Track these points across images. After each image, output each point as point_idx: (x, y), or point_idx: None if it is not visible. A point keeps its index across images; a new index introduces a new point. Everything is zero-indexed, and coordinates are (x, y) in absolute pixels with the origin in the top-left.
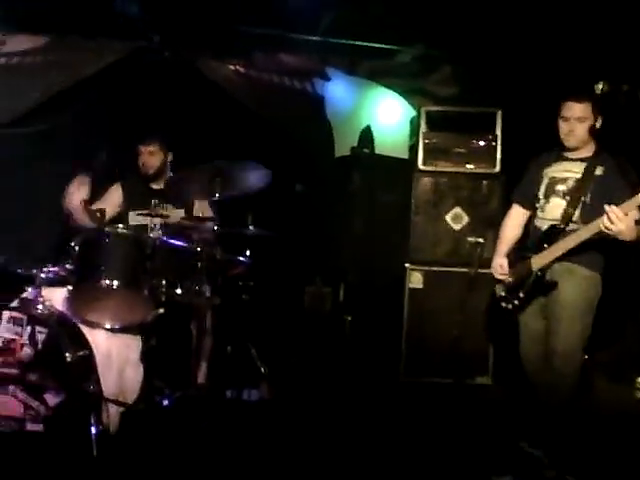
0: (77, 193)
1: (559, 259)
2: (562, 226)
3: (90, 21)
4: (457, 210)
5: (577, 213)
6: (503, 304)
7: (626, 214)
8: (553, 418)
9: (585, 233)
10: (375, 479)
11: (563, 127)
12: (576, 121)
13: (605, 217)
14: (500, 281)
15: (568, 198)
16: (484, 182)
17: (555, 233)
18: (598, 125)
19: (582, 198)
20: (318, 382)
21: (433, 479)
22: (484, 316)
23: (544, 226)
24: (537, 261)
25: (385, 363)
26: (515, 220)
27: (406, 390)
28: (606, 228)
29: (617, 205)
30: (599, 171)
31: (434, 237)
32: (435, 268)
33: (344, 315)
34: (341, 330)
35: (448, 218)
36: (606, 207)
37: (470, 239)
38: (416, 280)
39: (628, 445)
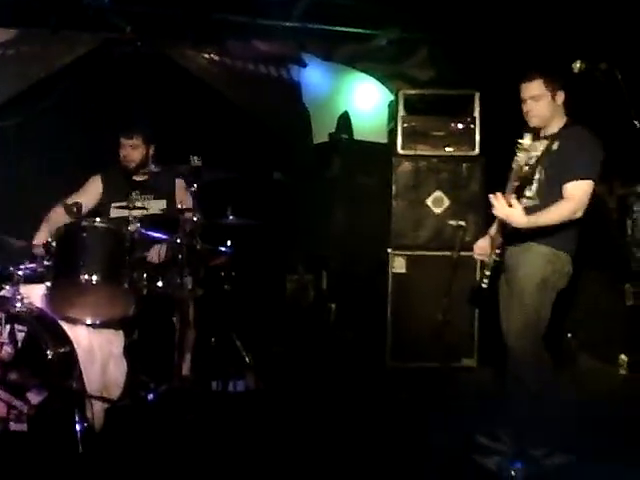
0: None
1: (518, 239)
2: None
3: (60, 13)
4: (438, 194)
5: (533, 188)
6: (482, 284)
7: (509, 201)
8: (514, 399)
9: None
10: (367, 466)
11: (523, 108)
12: (532, 100)
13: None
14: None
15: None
16: (464, 165)
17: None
18: (560, 100)
19: (535, 175)
20: (304, 370)
21: (423, 463)
22: (468, 298)
23: None
24: (495, 240)
25: (371, 349)
26: None
27: (393, 375)
28: (494, 214)
29: (564, 179)
30: (555, 146)
31: (415, 221)
32: (418, 252)
33: (328, 303)
34: (325, 318)
35: (429, 202)
36: (490, 195)
37: (452, 222)
38: (399, 265)
39: (612, 422)
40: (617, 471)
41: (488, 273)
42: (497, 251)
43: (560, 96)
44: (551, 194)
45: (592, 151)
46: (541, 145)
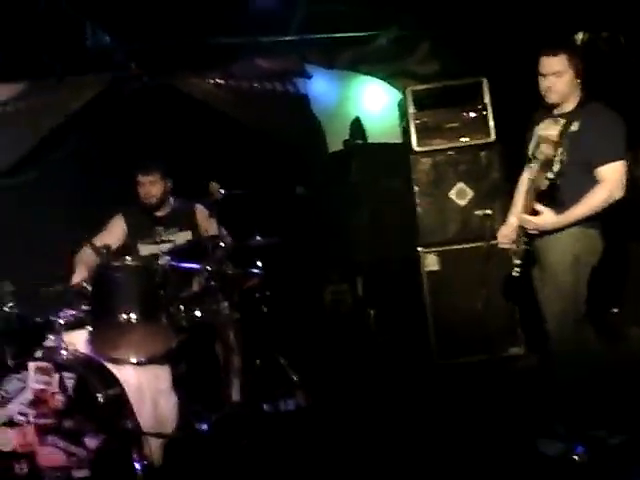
0: (83, 271)
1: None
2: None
3: (64, 60)
4: (460, 185)
5: (555, 169)
6: (513, 271)
7: (530, 212)
8: (563, 384)
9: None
10: (429, 468)
11: (542, 84)
12: (553, 76)
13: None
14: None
15: (545, 158)
16: (482, 153)
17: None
18: (579, 77)
19: (557, 156)
20: (353, 380)
21: (486, 456)
22: (506, 286)
23: (526, 188)
24: (522, 227)
25: (416, 350)
26: (523, 184)
27: (442, 373)
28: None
29: (594, 163)
30: (574, 127)
31: (442, 217)
32: (448, 247)
33: (367, 309)
34: (366, 324)
35: (452, 195)
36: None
37: (478, 212)
38: (431, 262)
39: None
40: None
41: (519, 262)
42: (525, 239)
43: (580, 73)
44: (575, 176)
45: (616, 129)
46: (557, 124)
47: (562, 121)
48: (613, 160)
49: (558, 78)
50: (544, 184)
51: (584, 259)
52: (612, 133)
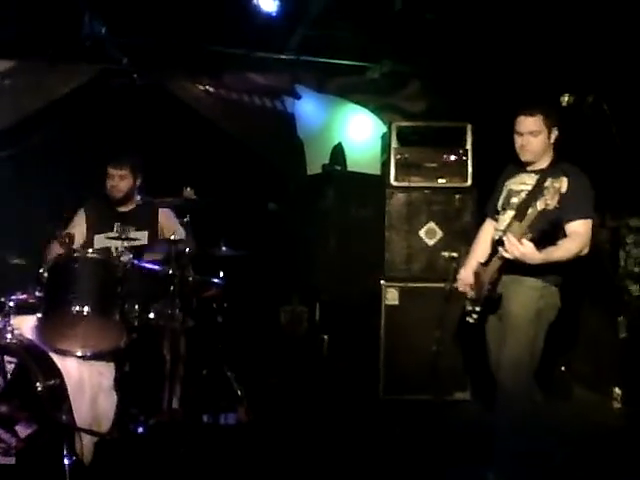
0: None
1: (502, 271)
2: (504, 239)
3: (57, 45)
4: (431, 225)
5: (524, 223)
6: (467, 318)
7: (519, 239)
8: (502, 433)
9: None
10: None
11: (517, 141)
12: (529, 135)
13: (504, 245)
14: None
15: (517, 209)
16: (456, 196)
17: (498, 245)
18: (553, 137)
19: (530, 209)
20: (297, 403)
21: None
22: (461, 331)
23: (496, 237)
24: (486, 274)
25: (364, 381)
26: (486, 233)
27: (386, 408)
28: (504, 256)
29: (566, 218)
30: (548, 182)
31: (408, 253)
32: (411, 284)
33: (321, 334)
34: (318, 349)
35: (422, 233)
36: (504, 238)
37: (444, 254)
38: (392, 297)
39: (607, 454)
40: None
41: (478, 309)
42: (488, 286)
43: (554, 134)
44: (545, 230)
45: (587, 191)
46: (530, 179)
47: (537, 176)
48: (585, 217)
49: (534, 137)
50: (526, 235)
51: (545, 314)
52: (584, 194)
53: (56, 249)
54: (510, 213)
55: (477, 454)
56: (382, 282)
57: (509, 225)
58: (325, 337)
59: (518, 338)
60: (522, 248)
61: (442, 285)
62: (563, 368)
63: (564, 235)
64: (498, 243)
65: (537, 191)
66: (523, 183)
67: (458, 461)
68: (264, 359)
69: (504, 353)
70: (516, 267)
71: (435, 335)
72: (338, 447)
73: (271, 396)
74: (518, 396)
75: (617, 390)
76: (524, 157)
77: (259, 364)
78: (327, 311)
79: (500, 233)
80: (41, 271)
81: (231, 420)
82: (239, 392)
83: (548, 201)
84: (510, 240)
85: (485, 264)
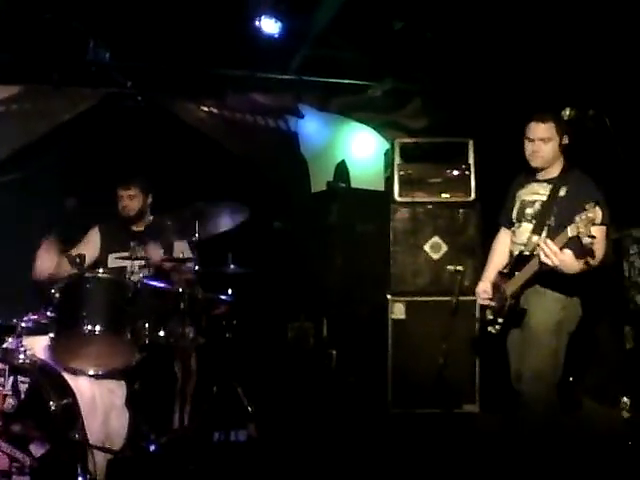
0: (46, 261)
1: (528, 285)
2: (527, 253)
3: (62, 70)
4: (435, 239)
5: (543, 236)
6: (489, 328)
7: (561, 248)
8: (528, 443)
9: (531, 268)
10: None
11: (528, 148)
12: (541, 142)
13: (541, 252)
14: (487, 306)
15: (534, 222)
16: (460, 211)
17: (522, 260)
18: (564, 142)
19: (547, 221)
20: (306, 418)
21: None
22: (468, 343)
23: (515, 251)
24: (509, 288)
25: (373, 396)
26: (502, 244)
27: (395, 422)
28: (543, 263)
29: None
30: (562, 192)
31: (414, 267)
32: (416, 298)
33: (328, 349)
34: (326, 365)
35: (427, 248)
36: (540, 242)
37: (449, 267)
38: (398, 311)
39: (616, 465)
40: None
41: (500, 320)
42: (512, 300)
43: (565, 141)
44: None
45: (601, 197)
46: (542, 189)
47: (549, 186)
48: (602, 224)
49: (545, 144)
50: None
51: (566, 326)
52: (600, 200)
53: (45, 256)
54: (526, 225)
55: (486, 466)
56: (388, 296)
57: (528, 239)
58: (333, 352)
59: (540, 349)
60: (561, 256)
61: (448, 298)
62: (571, 379)
63: None
64: (517, 259)
65: (551, 200)
66: (536, 193)
67: (467, 474)
68: (273, 375)
69: (526, 365)
70: (538, 279)
71: (442, 347)
72: (348, 461)
73: (281, 412)
74: (541, 407)
75: (625, 399)
76: (534, 163)
77: (268, 380)
78: (334, 326)
79: (521, 247)
80: (53, 291)
81: (242, 437)
82: (249, 409)
83: (581, 229)
84: (550, 247)
85: (503, 275)
